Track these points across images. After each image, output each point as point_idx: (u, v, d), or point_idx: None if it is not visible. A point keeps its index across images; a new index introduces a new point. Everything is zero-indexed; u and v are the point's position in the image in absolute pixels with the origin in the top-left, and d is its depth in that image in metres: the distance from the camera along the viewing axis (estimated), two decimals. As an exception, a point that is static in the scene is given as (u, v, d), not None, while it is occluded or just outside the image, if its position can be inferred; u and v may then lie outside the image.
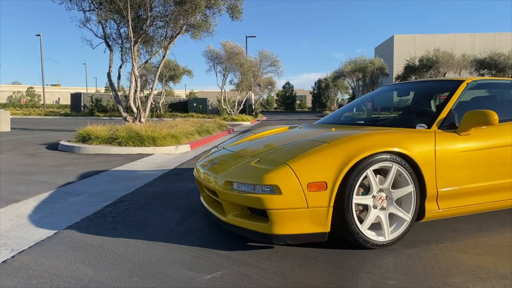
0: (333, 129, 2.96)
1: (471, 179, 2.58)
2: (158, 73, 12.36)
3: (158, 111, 27.04)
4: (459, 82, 2.99)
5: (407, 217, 2.39)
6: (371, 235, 2.31)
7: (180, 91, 63.91)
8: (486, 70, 25.04)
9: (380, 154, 2.30)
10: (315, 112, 48.78)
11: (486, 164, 2.63)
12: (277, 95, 64.14)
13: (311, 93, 61.11)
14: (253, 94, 30.54)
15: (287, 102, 62.89)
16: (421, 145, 2.44)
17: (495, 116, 2.49)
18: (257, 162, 2.44)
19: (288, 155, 2.37)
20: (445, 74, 25.36)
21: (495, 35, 37.96)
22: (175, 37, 11.99)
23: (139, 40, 11.25)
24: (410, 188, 2.38)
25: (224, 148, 3.23)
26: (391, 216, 2.40)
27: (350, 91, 34.28)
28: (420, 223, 2.66)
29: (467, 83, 2.98)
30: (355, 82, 29.53)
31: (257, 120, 24.28)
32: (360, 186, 2.34)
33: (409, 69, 27.23)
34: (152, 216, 3.07)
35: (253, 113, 28.12)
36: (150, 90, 12.54)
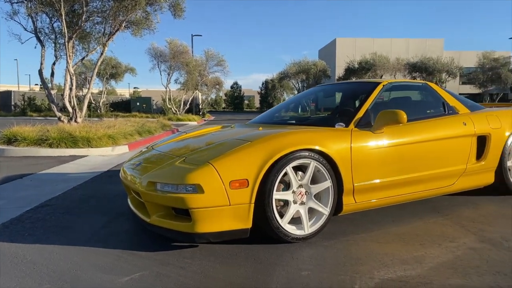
0: (260, 128, 3.03)
1: (385, 174, 2.79)
2: (96, 70, 11.81)
3: (99, 111, 25.81)
4: (376, 84, 3.21)
5: (326, 211, 2.52)
6: (291, 229, 2.41)
7: (123, 90, 61.44)
8: (417, 73, 26.99)
9: (299, 151, 2.41)
10: (263, 112, 49.15)
11: (398, 159, 2.86)
12: (226, 95, 64.05)
13: (259, 93, 61.79)
14: (200, 94, 30.21)
15: (236, 102, 63.04)
16: (338, 142, 2.59)
17: (404, 116, 2.71)
18: (182, 162, 2.44)
19: (212, 154, 2.40)
20: (381, 76, 26.95)
21: (426, 41, 40.99)
22: (114, 33, 11.52)
23: (75, 36, 10.66)
24: (327, 183, 2.52)
25: (153, 148, 3.18)
26: (311, 210, 2.52)
27: (296, 92, 35.23)
28: (341, 216, 2.82)
29: (383, 85, 3.20)
30: (299, 83, 30.37)
31: (205, 120, 24.08)
32: (280, 182, 2.42)
33: (350, 71, 28.57)
34: (75, 220, 2.94)
35: (200, 113, 27.84)
36: (88, 89, 11.93)
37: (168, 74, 23.42)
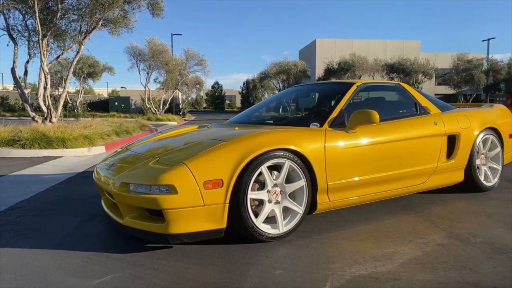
0: (237, 128, 3.04)
1: (358, 173, 2.84)
2: (72, 69, 11.54)
3: (76, 111, 25.21)
4: (350, 85, 3.27)
5: (300, 209, 2.55)
6: (266, 228, 2.42)
7: (101, 89, 60.19)
8: (395, 73, 27.55)
9: (273, 151, 2.43)
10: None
11: (371, 159, 2.91)
12: (207, 94, 63.64)
13: (240, 93, 61.69)
14: (180, 93, 29.93)
15: (217, 102, 62.72)
16: (312, 142, 2.62)
17: (376, 116, 2.76)
18: (156, 162, 2.42)
19: (186, 154, 2.39)
20: (360, 76, 27.38)
21: (403, 43, 41.87)
22: (91, 32, 11.28)
23: (49, 33, 10.38)
24: (302, 182, 2.55)
25: (127, 149, 3.14)
26: (286, 209, 2.55)
27: (276, 92, 35.37)
28: (316, 215, 2.85)
29: (357, 86, 3.26)
30: (280, 83, 30.51)
31: (185, 120, 23.87)
32: (255, 182, 2.44)
33: (329, 72, 28.90)
34: (47, 223, 2.87)
35: (181, 113, 27.57)
36: (63, 88, 11.64)
37: (147, 74, 23.11)
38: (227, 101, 67.28)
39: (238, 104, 65.89)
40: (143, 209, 2.33)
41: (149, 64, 22.53)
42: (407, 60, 27.36)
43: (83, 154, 6.89)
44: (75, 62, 11.33)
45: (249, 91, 51.34)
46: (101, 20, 11.08)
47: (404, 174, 3.10)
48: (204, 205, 2.23)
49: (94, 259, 2.20)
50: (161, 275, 1.99)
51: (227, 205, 2.28)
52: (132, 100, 31.75)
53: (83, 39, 11.17)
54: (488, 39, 30.10)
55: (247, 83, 55.51)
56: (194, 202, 2.20)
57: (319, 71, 33.25)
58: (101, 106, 30.70)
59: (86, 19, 11.25)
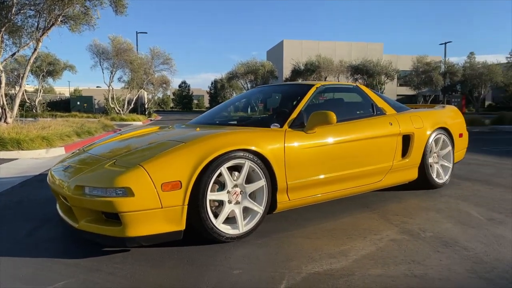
0: (198, 129, 3.02)
1: (317, 172, 2.91)
2: (29, 67, 11.03)
3: (34, 111, 24.10)
4: (309, 86, 3.34)
5: (260, 209, 2.58)
6: (225, 229, 2.44)
7: (63, 88, 57.81)
8: (359, 75, 28.38)
9: (233, 152, 2.44)
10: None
11: (329, 158, 3.00)
12: (174, 94, 62.70)
13: (208, 93, 61.22)
14: (145, 93, 29.29)
15: (184, 101, 61.88)
16: (272, 143, 2.66)
17: (333, 117, 2.84)
18: (112, 164, 2.37)
19: (143, 156, 2.36)
20: (326, 78, 27.98)
21: (367, 45, 43.17)
22: (49, 28, 10.83)
23: (3, 29, 9.87)
24: (262, 182, 2.58)
25: (84, 150, 3.05)
26: (246, 210, 2.57)
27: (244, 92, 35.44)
28: (276, 214, 2.90)
29: (316, 87, 3.34)
30: (248, 83, 30.60)
31: (150, 120, 23.39)
32: (215, 182, 2.44)
33: (296, 73, 29.34)
34: (-3, 229, 2.74)
35: (146, 113, 27.00)
36: (20, 87, 11.09)
37: (111, 72, 22.47)
38: (195, 101, 66.59)
39: (207, 103, 65.38)
40: (99, 212, 2.28)
41: (113, 62, 21.92)
42: (371, 61, 28.26)
43: (40, 156, 6.60)
44: (32, 60, 10.85)
45: (217, 91, 51.00)
46: (61, 16, 10.67)
47: (361, 172, 3.21)
48: (162, 207, 2.21)
49: (47, 265, 2.12)
50: (117, 280, 1.96)
51: (186, 206, 2.28)
52: (95, 99, 30.77)
53: (41, 36, 10.70)
54: (445, 43, 31.62)
55: (215, 82, 55.14)
56: (151, 204, 2.18)
57: (287, 72, 33.65)
58: (62, 106, 29.52)
59: (44, 15, 10.79)
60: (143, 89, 25.98)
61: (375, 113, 3.56)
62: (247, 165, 2.51)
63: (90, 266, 2.11)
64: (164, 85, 29.93)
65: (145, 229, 2.19)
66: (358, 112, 3.56)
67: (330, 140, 3.00)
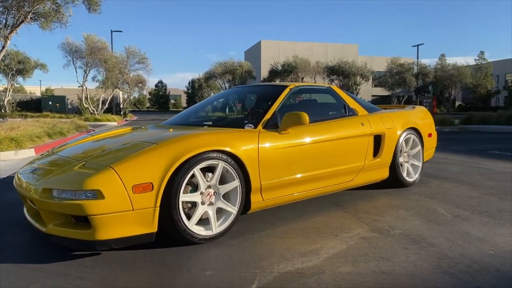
0: (171, 129, 3.00)
1: (291, 172, 2.94)
2: (-4, 66, 10.61)
3: (3, 111, 23.22)
4: (283, 87, 3.38)
5: (234, 210, 2.59)
6: (199, 230, 2.43)
7: (34, 88, 55.87)
8: (335, 75, 28.85)
9: (206, 153, 2.44)
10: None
11: (302, 158, 3.04)
12: (150, 94, 61.78)
13: (185, 92, 60.67)
14: (121, 93, 28.74)
15: (161, 101, 61.07)
16: (246, 143, 2.68)
17: (306, 117, 2.89)
18: (81, 166, 2.32)
19: (114, 158, 2.33)
20: (303, 78, 28.28)
21: (343, 46, 43.91)
22: (18, 26, 10.48)
23: (-32, 26, 9.47)
24: (236, 183, 2.59)
25: (53, 152, 2.97)
26: (219, 210, 2.57)
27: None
28: (250, 214, 2.91)
29: (290, 88, 3.38)
30: (225, 83, 30.53)
31: (126, 120, 22.96)
32: (189, 184, 2.44)
33: (274, 73, 29.51)
34: (-41, 235, 2.63)
35: (121, 113, 26.48)
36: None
37: (85, 72, 21.91)
38: (172, 101, 65.80)
39: (184, 103, 64.76)
40: (68, 215, 2.22)
41: (86, 61, 21.38)
42: (346, 63, 28.76)
43: (8, 158, 6.38)
44: (0, 58, 10.43)
45: (195, 91, 50.64)
46: (30, 13, 10.34)
47: (334, 172, 3.27)
48: (133, 210, 2.18)
49: (12, 271, 2.06)
50: (86, 284, 1.92)
51: (158, 208, 2.26)
52: (68, 99, 29.93)
53: (9, 34, 10.34)
54: (418, 45, 32.57)
55: (192, 82, 54.73)
56: (122, 207, 2.15)
57: (264, 72, 33.78)
58: (33, 106, 28.54)
59: (13, 12, 10.43)
60: (118, 88, 25.49)
61: (347, 114, 3.63)
62: (221, 166, 2.51)
63: (58, 271, 2.06)
64: (140, 85, 29.44)
65: (116, 232, 2.16)
66: (331, 113, 3.63)
67: (303, 140, 3.04)
